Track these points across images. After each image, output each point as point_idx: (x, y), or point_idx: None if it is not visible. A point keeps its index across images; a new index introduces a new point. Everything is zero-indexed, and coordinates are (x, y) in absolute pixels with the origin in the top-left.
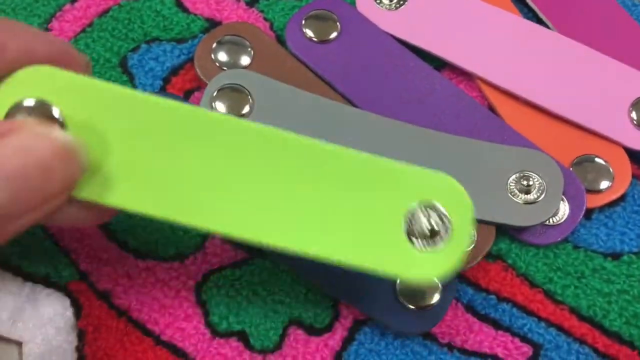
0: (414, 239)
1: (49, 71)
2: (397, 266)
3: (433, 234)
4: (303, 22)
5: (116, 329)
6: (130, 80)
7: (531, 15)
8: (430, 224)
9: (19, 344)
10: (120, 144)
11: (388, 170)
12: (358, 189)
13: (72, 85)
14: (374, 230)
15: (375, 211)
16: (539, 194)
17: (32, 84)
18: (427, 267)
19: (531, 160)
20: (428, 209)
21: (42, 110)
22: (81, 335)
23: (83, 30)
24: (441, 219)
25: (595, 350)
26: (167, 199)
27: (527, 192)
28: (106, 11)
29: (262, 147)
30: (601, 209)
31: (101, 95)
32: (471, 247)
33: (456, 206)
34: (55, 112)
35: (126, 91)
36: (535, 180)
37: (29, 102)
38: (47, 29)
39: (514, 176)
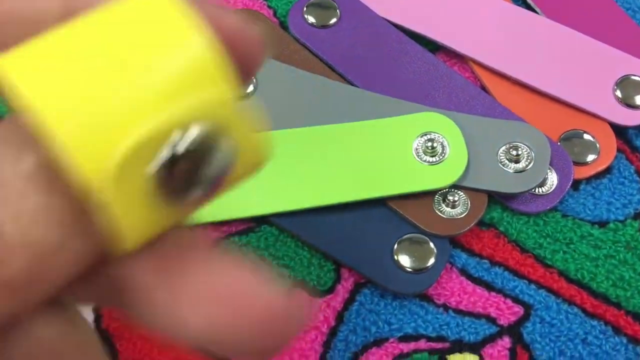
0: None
1: None
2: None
3: (435, 152)
4: (305, 8)
5: None
6: None
7: (520, 2)
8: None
9: None
10: None
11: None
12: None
13: None
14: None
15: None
16: (527, 163)
17: None
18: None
19: (519, 131)
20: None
21: None
22: None
23: None
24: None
25: (584, 310)
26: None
27: (517, 162)
28: None
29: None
30: (588, 180)
31: None
32: (465, 213)
33: (448, 132)
34: None
35: None
36: (524, 150)
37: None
38: None
39: (503, 147)
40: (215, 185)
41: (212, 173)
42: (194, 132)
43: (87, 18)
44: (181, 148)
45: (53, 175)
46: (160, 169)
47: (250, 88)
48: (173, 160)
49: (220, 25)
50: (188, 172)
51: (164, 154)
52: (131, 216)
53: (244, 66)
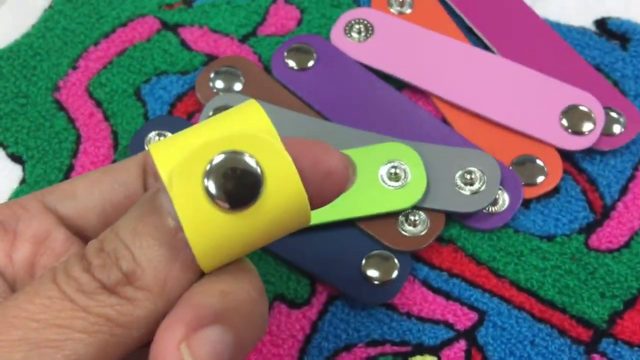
0: (389, 183)
1: None
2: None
3: (399, 177)
4: (285, 54)
5: None
6: (143, 106)
7: (479, 42)
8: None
9: None
10: None
11: (363, 151)
12: None
13: None
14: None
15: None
16: (480, 185)
17: None
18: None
19: (472, 157)
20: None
21: None
22: None
23: (104, 67)
24: (403, 169)
25: (532, 315)
26: None
27: (471, 184)
28: (123, 51)
29: None
30: (538, 199)
31: None
32: (425, 230)
33: (410, 159)
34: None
35: None
36: (477, 173)
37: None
38: (75, 67)
39: (459, 172)
40: (251, 200)
41: (242, 185)
42: (226, 152)
43: (200, 124)
44: (216, 160)
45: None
46: (207, 176)
47: None
48: (215, 172)
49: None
50: (227, 184)
51: (207, 166)
52: (197, 218)
53: (324, 192)
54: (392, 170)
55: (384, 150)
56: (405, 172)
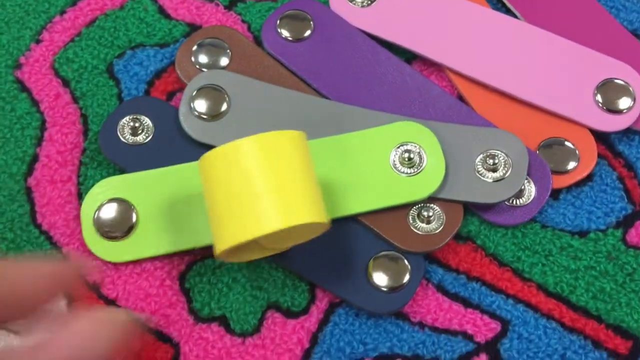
0: (401, 170)
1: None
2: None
3: (413, 162)
4: (278, 22)
5: None
6: (116, 84)
7: (500, 6)
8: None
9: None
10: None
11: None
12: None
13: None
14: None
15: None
16: (504, 171)
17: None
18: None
19: (495, 138)
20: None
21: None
22: None
23: (72, 40)
24: (418, 152)
25: (563, 325)
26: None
27: (494, 170)
28: (93, 21)
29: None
30: (569, 189)
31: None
32: (440, 227)
33: (426, 141)
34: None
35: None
36: (501, 157)
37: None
38: (38, 41)
39: (480, 156)
40: None
41: None
42: None
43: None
44: None
45: None
46: None
47: (224, 106)
48: None
49: None
50: None
51: None
52: None
53: None
54: (406, 155)
55: (396, 131)
56: (420, 157)
